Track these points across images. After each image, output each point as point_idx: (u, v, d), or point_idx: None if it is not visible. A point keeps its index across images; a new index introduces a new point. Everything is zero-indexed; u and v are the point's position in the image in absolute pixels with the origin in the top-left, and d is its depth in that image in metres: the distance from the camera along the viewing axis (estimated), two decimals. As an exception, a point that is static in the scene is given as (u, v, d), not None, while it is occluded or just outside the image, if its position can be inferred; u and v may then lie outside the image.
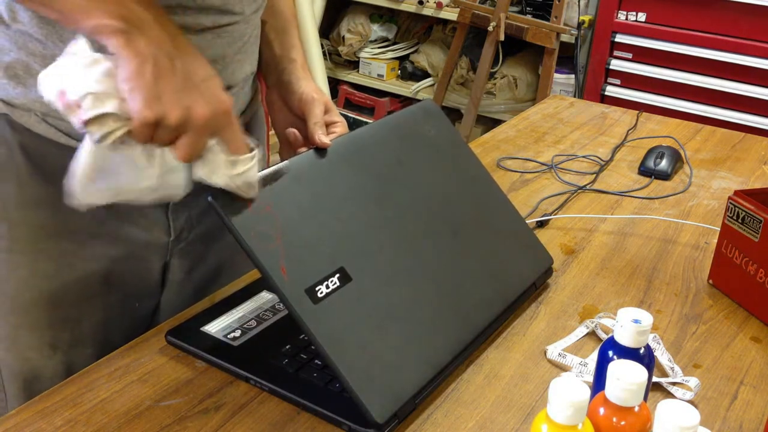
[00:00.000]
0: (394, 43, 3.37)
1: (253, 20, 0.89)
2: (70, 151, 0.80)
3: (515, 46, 2.99)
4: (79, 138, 0.77)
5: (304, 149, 0.88)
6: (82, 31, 0.65)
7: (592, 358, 0.85)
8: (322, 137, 0.83)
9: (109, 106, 0.63)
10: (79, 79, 0.63)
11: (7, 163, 0.83)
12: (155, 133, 0.64)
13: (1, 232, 0.84)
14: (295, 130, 0.91)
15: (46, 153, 0.82)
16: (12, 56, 0.79)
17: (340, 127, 0.89)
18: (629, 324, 0.66)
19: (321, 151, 0.83)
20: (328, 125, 0.89)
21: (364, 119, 3.22)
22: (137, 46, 0.63)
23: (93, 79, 0.63)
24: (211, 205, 0.70)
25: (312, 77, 0.96)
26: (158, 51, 0.63)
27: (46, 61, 0.75)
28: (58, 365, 0.90)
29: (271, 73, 0.97)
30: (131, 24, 0.63)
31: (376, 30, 3.32)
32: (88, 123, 0.63)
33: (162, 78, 0.63)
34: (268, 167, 0.77)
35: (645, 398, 0.65)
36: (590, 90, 2.69)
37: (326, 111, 0.90)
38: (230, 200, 0.71)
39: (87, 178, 0.66)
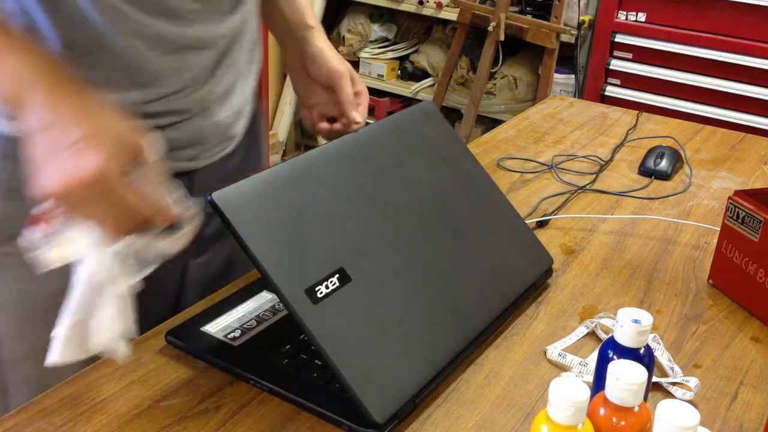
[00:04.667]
0: (394, 43, 3.37)
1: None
2: None
3: (515, 46, 2.99)
4: None
5: (325, 125, 0.98)
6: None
7: (592, 358, 0.85)
8: (355, 114, 0.92)
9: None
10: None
11: None
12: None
13: None
14: (325, 125, 0.98)
15: None
16: None
17: (364, 97, 0.99)
18: (629, 324, 0.66)
19: (320, 151, 0.83)
20: (354, 95, 0.97)
21: (364, 119, 3.22)
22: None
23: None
24: (212, 204, 0.70)
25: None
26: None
27: None
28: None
29: (289, 43, 0.98)
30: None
31: (376, 30, 3.31)
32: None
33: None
34: (269, 167, 0.77)
35: (645, 398, 0.65)
36: (590, 90, 2.69)
37: (352, 82, 0.97)
38: (231, 200, 0.71)
39: None
